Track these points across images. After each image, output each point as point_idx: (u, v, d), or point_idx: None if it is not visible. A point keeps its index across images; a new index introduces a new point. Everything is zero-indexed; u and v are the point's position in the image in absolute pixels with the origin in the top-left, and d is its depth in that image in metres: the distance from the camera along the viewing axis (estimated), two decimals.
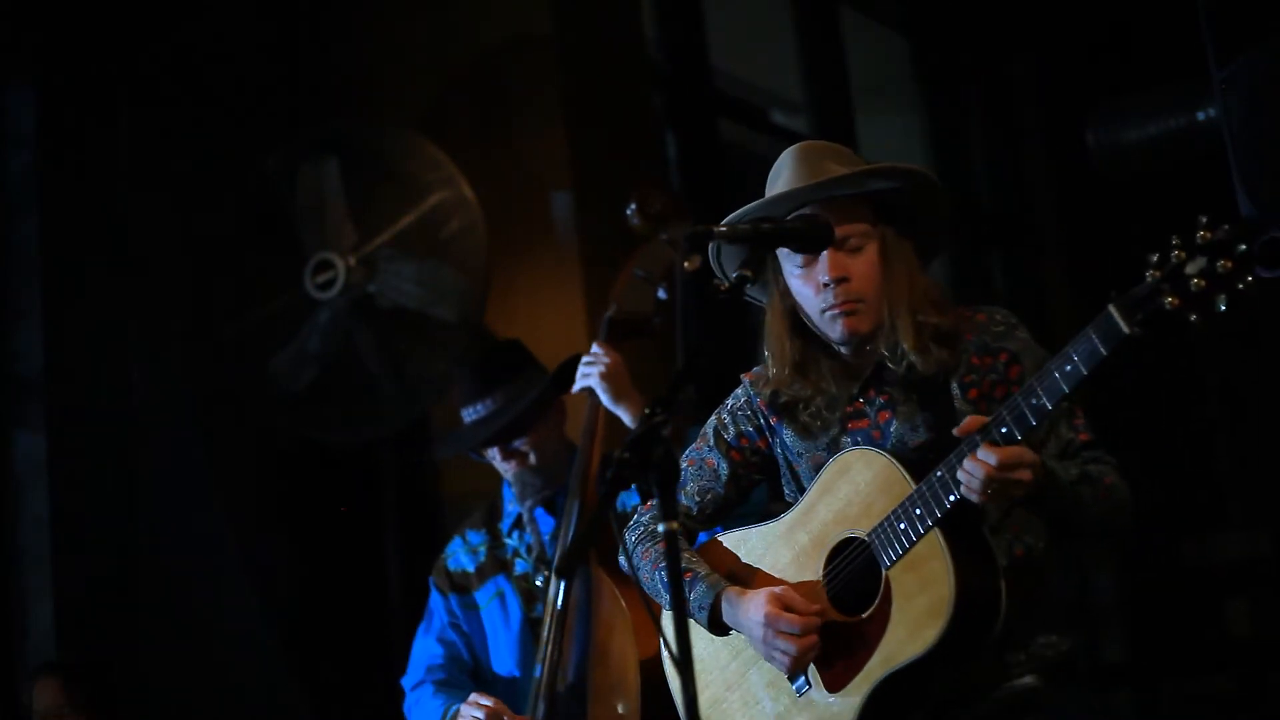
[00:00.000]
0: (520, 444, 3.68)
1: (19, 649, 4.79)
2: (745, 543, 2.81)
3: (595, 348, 3.67)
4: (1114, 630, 7.32)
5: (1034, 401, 2.37)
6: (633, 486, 2.18)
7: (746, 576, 2.75)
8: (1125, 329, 2.26)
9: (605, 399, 3.60)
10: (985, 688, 2.57)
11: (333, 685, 5.04)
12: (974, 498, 2.40)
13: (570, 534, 3.54)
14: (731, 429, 2.85)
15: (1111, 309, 2.28)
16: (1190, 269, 2.19)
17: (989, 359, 2.65)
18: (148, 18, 5.22)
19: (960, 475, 2.40)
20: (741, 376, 2.88)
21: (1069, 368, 2.33)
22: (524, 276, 5.13)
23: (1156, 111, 5.11)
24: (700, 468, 2.86)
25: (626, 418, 3.61)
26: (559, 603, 3.50)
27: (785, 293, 2.72)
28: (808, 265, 2.65)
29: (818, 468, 2.69)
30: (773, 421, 2.79)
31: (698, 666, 2.79)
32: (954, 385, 2.64)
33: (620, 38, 5.72)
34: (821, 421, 2.72)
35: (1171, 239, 2.22)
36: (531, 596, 3.65)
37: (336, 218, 4.83)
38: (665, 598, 2.77)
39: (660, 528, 2.58)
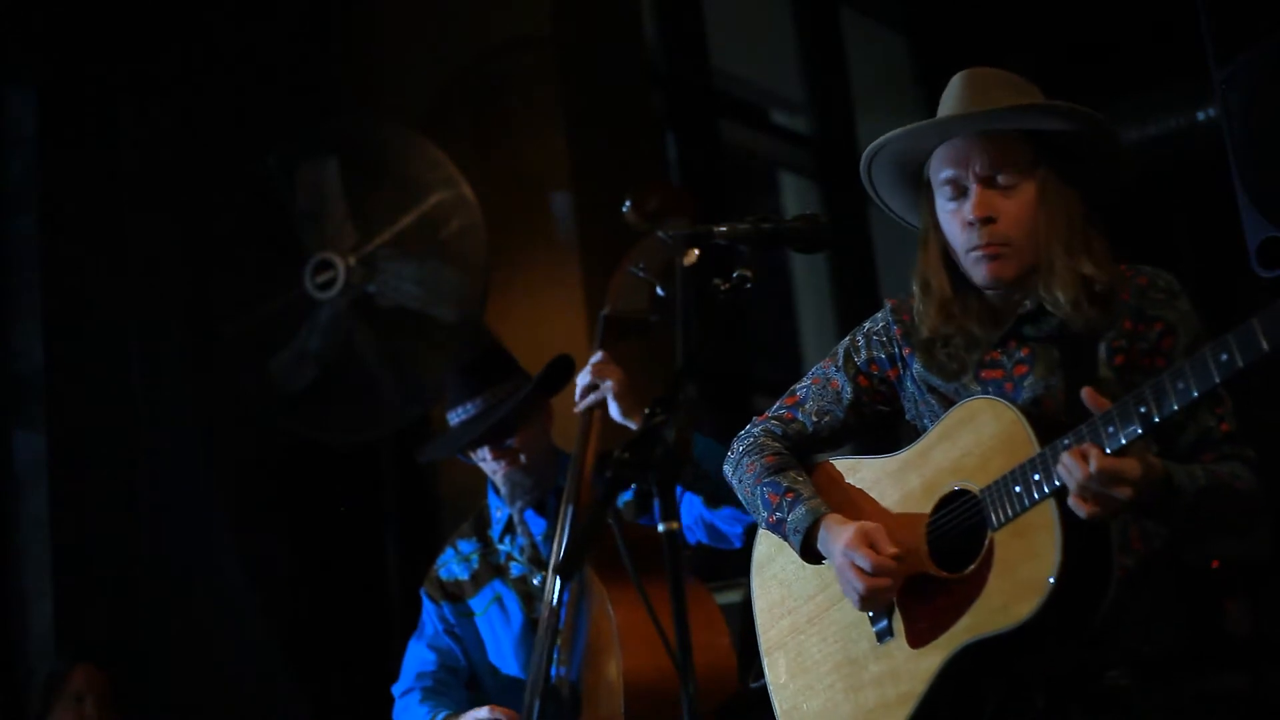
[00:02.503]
0: (511, 443, 3.68)
1: (19, 649, 4.80)
2: (855, 472, 2.67)
3: (599, 357, 3.61)
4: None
5: (1179, 385, 2.18)
6: (632, 486, 2.14)
7: (849, 507, 2.61)
8: (1265, 346, 2.08)
9: (616, 413, 3.57)
10: (1069, 678, 2.42)
11: (332, 685, 5.05)
12: (1073, 505, 2.24)
13: (566, 537, 3.53)
14: (864, 352, 2.71)
15: (1254, 322, 2.09)
16: None
17: (1143, 326, 2.47)
18: (148, 18, 5.23)
19: (1059, 470, 2.25)
20: (885, 300, 2.73)
21: (1225, 357, 2.13)
22: (524, 276, 5.13)
23: (1156, 111, 5.12)
24: (824, 388, 2.74)
25: (635, 428, 3.56)
26: (554, 603, 3.49)
27: (936, 225, 2.57)
28: (957, 199, 2.52)
29: (945, 407, 2.54)
30: (906, 353, 2.65)
31: (783, 592, 2.74)
32: (1101, 347, 2.47)
33: (620, 38, 5.73)
34: (958, 363, 2.57)
35: None
36: (531, 598, 3.64)
37: (336, 218, 4.83)
38: (763, 514, 2.68)
39: (805, 512, 2.56)
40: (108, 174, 5.16)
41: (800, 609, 2.71)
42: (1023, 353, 2.53)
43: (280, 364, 4.86)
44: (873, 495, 2.61)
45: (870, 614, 2.56)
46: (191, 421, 5.18)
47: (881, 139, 2.59)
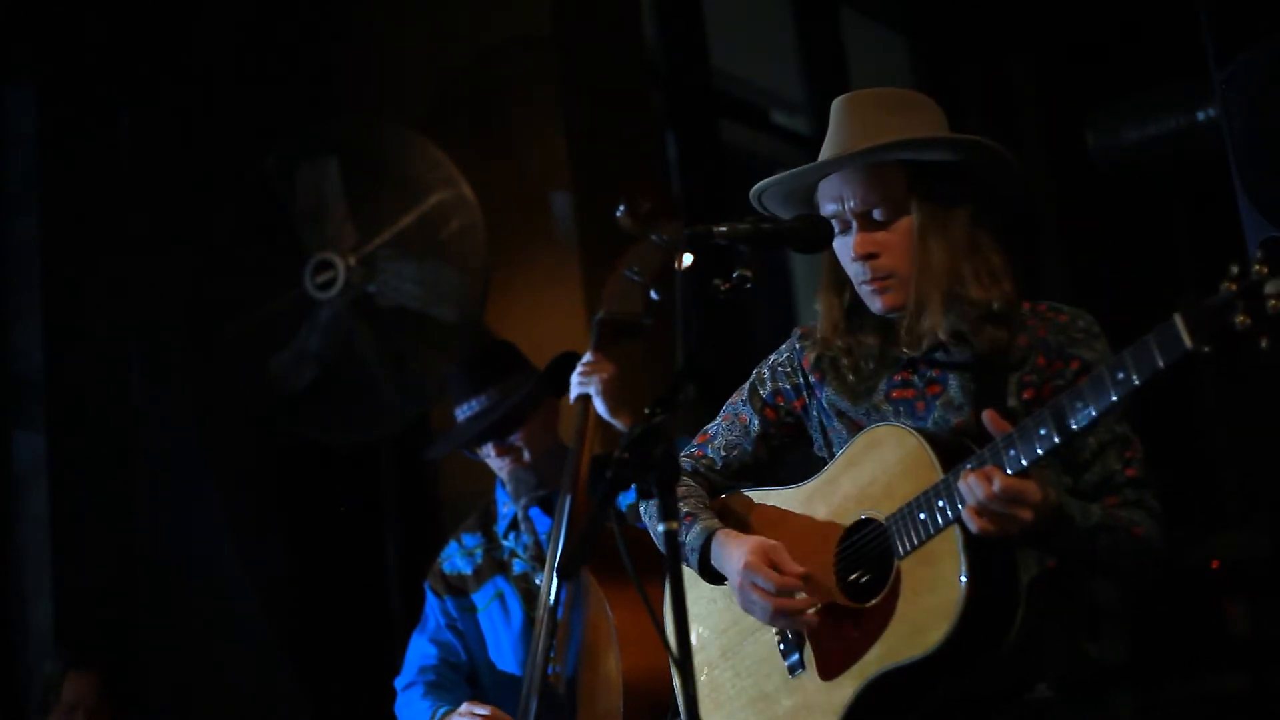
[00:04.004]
0: (515, 439, 3.69)
1: (19, 649, 4.80)
2: (764, 503, 2.66)
3: (590, 356, 3.63)
4: (1114, 630, 7.32)
5: (1079, 405, 2.16)
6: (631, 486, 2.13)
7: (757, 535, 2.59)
8: (1188, 344, 2.03)
9: (602, 409, 3.58)
10: (992, 697, 2.41)
11: (332, 685, 5.04)
12: (968, 519, 2.23)
13: (563, 536, 3.53)
14: (769, 384, 2.72)
15: (1177, 318, 2.04)
16: (1270, 287, 1.94)
17: (1059, 363, 2.47)
18: (148, 18, 5.23)
19: (960, 488, 2.24)
20: (795, 329, 2.73)
21: (1121, 375, 2.10)
22: (524, 276, 5.13)
23: (1156, 111, 5.11)
24: (733, 422, 2.74)
25: (622, 428, 3.58)
26: (551, 602, 3.49)
27: (832, 250, 2.58)
28: (844, 232, 2.53)
29: (854, 432, 2.53)
30: (814, 379, 2.65)
31: (694, 628, 2.70)
32: (1011, 379, 2.47)
33: (620, 38, 5.73)
34: (866, 386, 2.57)
35: (1256, 251, 1.99)
36: (532, 596, 3.65)
37: (336, 218, 4.83)
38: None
39: (696, 526, 2.56)
40: (108, 174, 5.16)
41: (712, 644, 2.68)
42: (934, 373, 2.53)
43: (280, 364, 4.85)
44: (782, 525, 2.60)
45: (781, 647, 2.55)
46: (191, 422, 5.18)
47: (759, 185, 2.60)
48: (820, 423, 2.66)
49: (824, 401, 2.64)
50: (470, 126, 5.31)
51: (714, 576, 2.61)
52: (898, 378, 2.56)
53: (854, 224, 2.53)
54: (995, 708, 2.41)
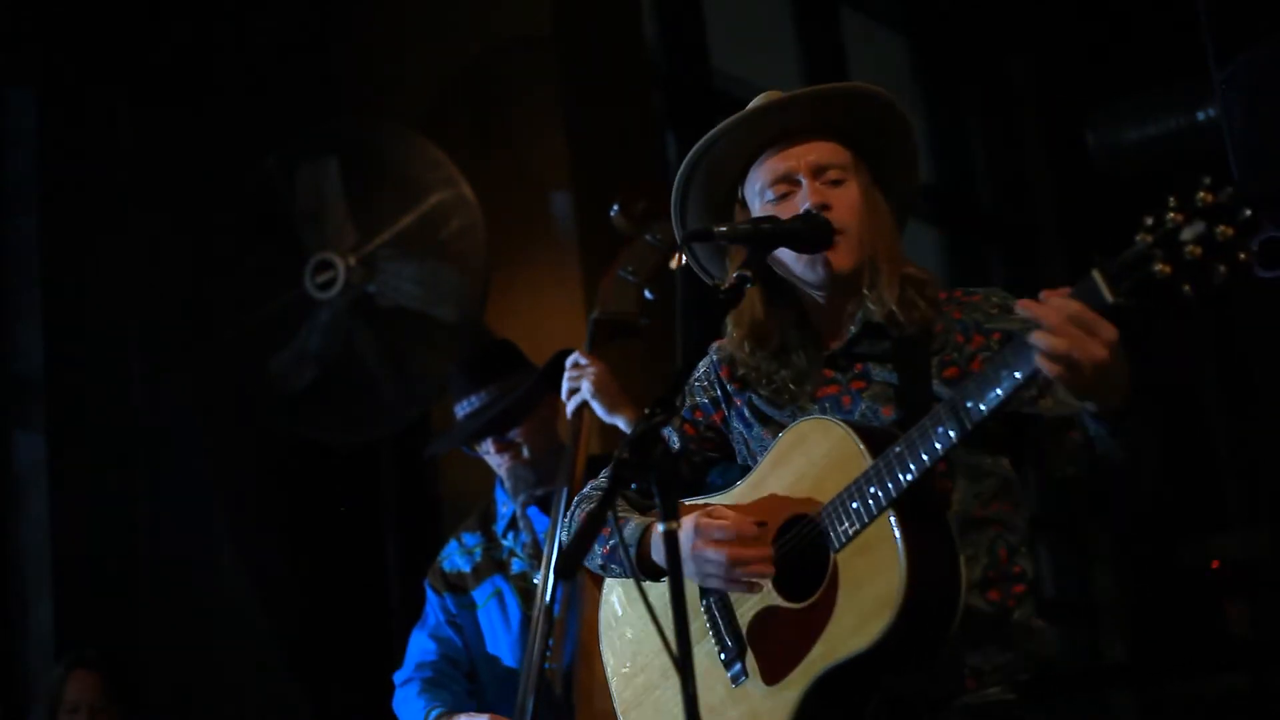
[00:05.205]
0: (514, 435, 3.69)
1: (19, 649, 4.80)
2: (694, 511, 2.54)
3: (577, 357, 3.61)
4: (1114, 630, 7.32)
5: (1003, 373, 2.12)
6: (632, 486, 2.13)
7: None
8: (1109, 297, 1.99)
9: (600, 411, 3.57)
10: (946, 698, 2.34)
11: (332, 684, 5.05)
12: (1040, 345, 2.04)
13: (560, 535, 3.54)
14: (687, 400, 2.66)
15: (1095, 274, 2.00)
16: (1186, 234, 1.90)
17: (979, 338, 2.45)
18: (148, 18, 5.23)
19: (1019, 310, 2.10)
20: (712, 344, 2.67)
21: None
22: (524, 276, 5.13)
23: (1156, 111, 5.12)
24: None
25: (625, 425, 3.57)
26: (549, 600, 3.49)
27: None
28: (790, 194, 2.49)
29: (776, 436, 2.48)
30: (732, 389, 2.61)
31: (633, 649, 2.66)
32: (934, 363, 2.45)
33: (620, 38, 5.72)
34: (788, 394, 2.53)
35: (1168, 200, 1.94)
36: (530, 595, 3.65)
37: (336, 218, 4.83)
38: (596, 552, 2.60)
39: (660, 526, 2.51)
40: (108, 174, 5.16)
41: (653, 663, 2.61)
42: (856, 368, 2.50)
43: (280, 364, 4.86)
44: None
45: (723, 657, 2.48)
46: (191, 421, 5.18)
47: (704, 139, 2.55)
48: (741, 433, 2.62)
49: (745, 409, 2.60)
50: (470, 126, 5.30)
51: (652, 572, 2.51)
52: (823, 374, 2.53)
53: (804, 182, 2.49)
54: (953, 708, 2.35)
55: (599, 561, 2.65)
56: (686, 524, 2.41)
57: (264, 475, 5.27)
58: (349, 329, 4.81)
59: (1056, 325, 2.04)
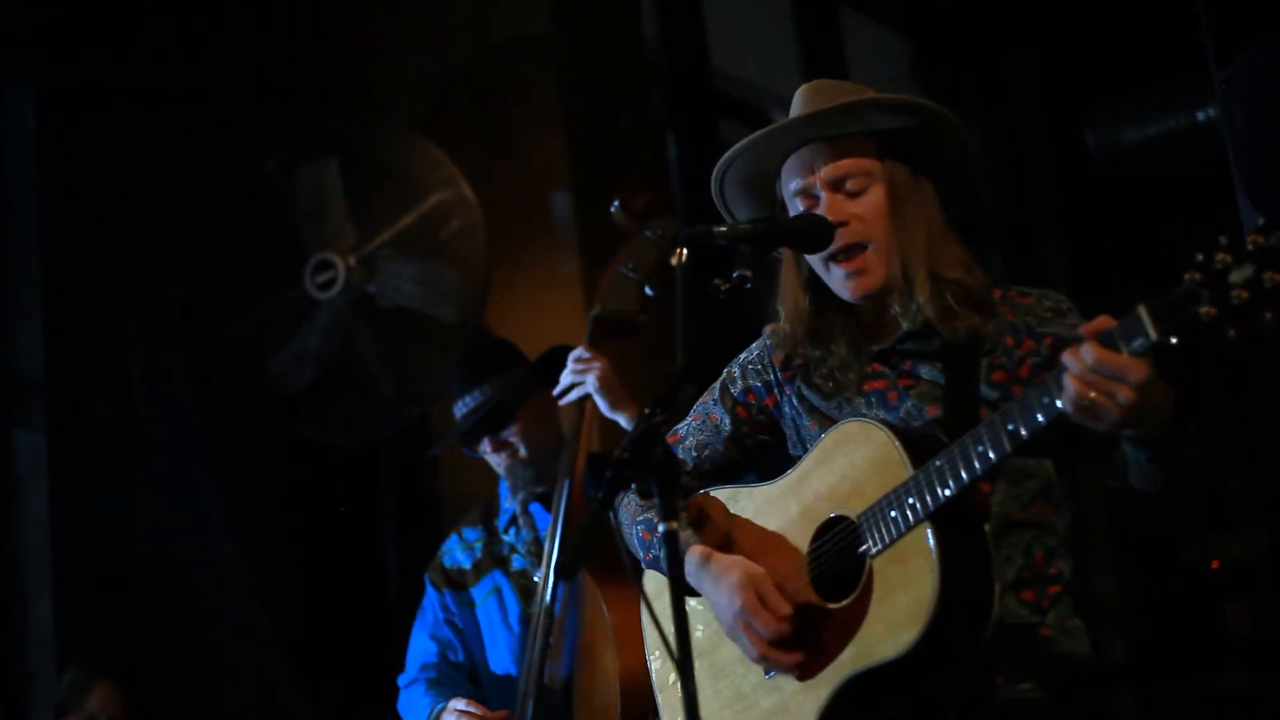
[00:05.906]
0: (509, 434, 3.68)
1: (19, 649, 4.80)
2: (736, 502, 2.62)
3: (581, 351, 3.61)
4: (1114, 630, 7.32)
5: (1045, 400, 2.12)
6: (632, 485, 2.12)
7: (730, 537, 2.56)
8: (1153, 335, 1.97)
9: (603, 406, 3.57)
10: (976, 696, 2.36)
11: (332, 683, 5.05)
12: (1069, 387, 2.06)
13: (559, 534, 3.53)
14: (740, 383, 2.67)
15: (1141, 310, 1.98)
16: (1235, 277, 1.87)
17: (1030, 342, 2.43)
18: (147, 18, 5.23)
19: (1065, 360, 2.08)
20: (766, 327, 2.68)
21: None
22: (524, 276, 5.13)
23: (1156, 111, 5.12)
24: (704, 422, 2.69)
25: (626, 423, 3.57)
26: (549, 599, 3.49)
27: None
28: (810, 209, 2.48)
29: (826, 428, 2.48)
30: (784, 377, 2.61)
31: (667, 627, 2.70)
32: (983, 364, 2.43)
33: (620, 38, 5.72)
34: (835, 384, 2.53)
35: (1219, 238, 1.90)
36: (529, 593, 3.65)
37: (336, 218, 4.83)
38: (640, 553, 2.64)
39: (660, 526, 2.53)
40: (108, 174, 5.16)
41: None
42: (906, 365, 2.50)
43: (280, 364, 4.86)
44: (755, 524, 2.56)
45: None
46: (191, 421, 5.18)
47: (726, 157, 2.56)
48: (793, 420, 2.62)
49: (795, 398, 2.60)
50: (470, 126, 5.31)
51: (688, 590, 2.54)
52: (869, 369, 2.52)
53: (822, 197, 2.49)
54: (983, 705, 2.37)
55: (644, 564, 2.66)
56: (728, 583, 2.45)
57: (264, 475, 5.27)
58: (349, 329, 4.81)
59: (1081, 373, 2.06)
